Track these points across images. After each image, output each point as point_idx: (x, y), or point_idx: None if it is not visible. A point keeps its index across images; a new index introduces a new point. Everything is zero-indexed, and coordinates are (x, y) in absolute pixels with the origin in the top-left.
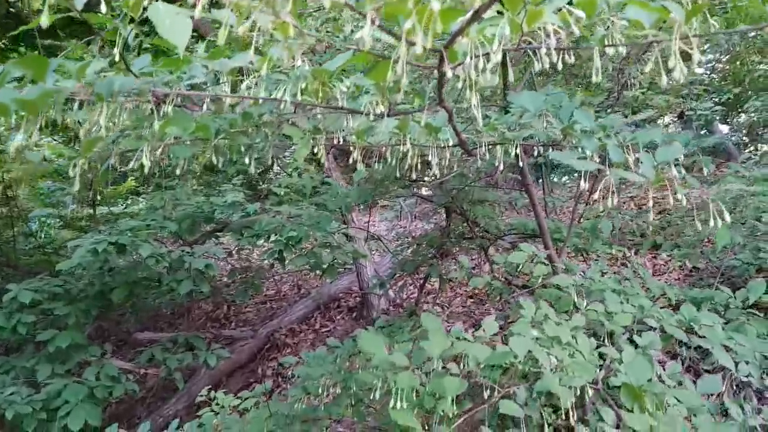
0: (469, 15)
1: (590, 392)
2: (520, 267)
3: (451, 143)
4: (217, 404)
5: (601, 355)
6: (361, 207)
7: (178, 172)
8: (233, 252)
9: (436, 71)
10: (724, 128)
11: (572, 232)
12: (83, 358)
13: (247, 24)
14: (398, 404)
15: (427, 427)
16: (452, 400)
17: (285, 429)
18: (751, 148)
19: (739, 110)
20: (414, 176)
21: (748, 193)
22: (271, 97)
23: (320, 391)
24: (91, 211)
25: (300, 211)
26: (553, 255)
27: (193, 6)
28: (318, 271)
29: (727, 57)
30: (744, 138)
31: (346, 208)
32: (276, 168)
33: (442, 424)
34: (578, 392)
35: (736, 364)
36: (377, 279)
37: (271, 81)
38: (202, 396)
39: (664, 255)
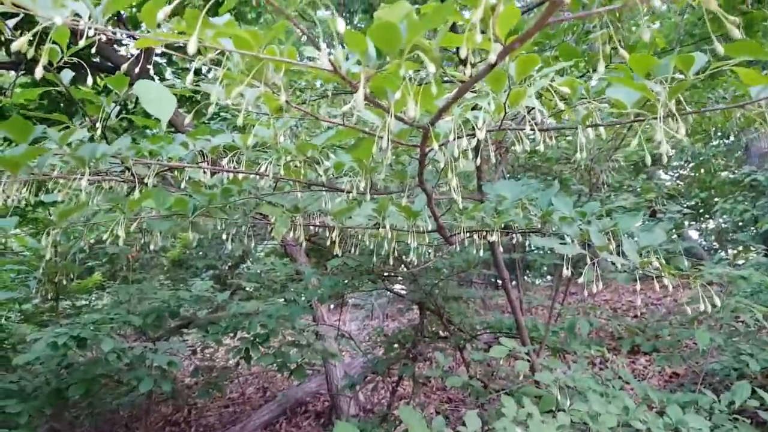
0: (454, 93)
1: None
2: (498, 367)
3: (429, 227)
4: None
5: None
6: (332, 306)
7: (152, 247)
8: (197, 350)
9: (417, 151)
10: (694, 234)
11: (550, 331)
12: None
13: (235, 92)
14: None
15: None
16: None
17: None
18: (722, 254)
19: (708, 216)
20: (391, 262)
21: (726, 292)
22: (254, 170)
23: None
24: (54, 303)
25: (269, 306)
26: (532, 354)
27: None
28: (285, 372)
29: (692, 165)
30: (714, 243)
31: (320, 299)
32: (248, 263)
33: None
34: None
35: None
36: (347, 380)
37: (252, 158)
38: None
39: (643, 360)
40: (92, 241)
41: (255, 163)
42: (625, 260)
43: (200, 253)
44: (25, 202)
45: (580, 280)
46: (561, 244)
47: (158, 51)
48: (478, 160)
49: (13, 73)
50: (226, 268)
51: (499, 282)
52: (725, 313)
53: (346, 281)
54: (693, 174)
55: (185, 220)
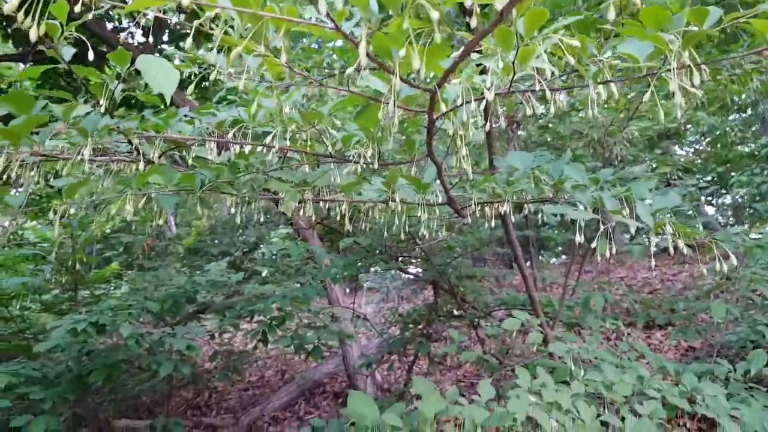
0: (460, 51)
1: None
2: (513, 344)
3: (440, 200)
4: None
5: (603, 424)
6: (347, 290)
7: (160, 221)
8: (215, 335)
9: (425, 120)
10: (710, 210)
11: (564, 306)
12: None
13: (235, 53)
14: None
15: None
16: None
17: None
18: (738, 230)
19: (724, 191)
20: (402, 239)
21: (742, 263)
22: (261, 142)
23: None
24: (72, 293)
25: (284, 289)
26: (545, 326)
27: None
28: (302, 354)
29: (708, 140)
30: (731, 219)
31: (333, 279)
32: (262, 249)
33: None
34: None
35: None
36: (364, 360)
37: (259, 132)
38: None
39: (658, 335)
40: (108, 231)
41: (262, 136)
42: (640, 223)
43: (215, 240)
44: (38, 194)
45: (594, 248)
46: (574, 210)
47: (165, 38)
48: (488, 126)
49: (21, 65)
50: (241, 254)
51: (513, 262)
52: (742, 284)
53: (358, 261)
54: (709, 149)
55: (193, 195)
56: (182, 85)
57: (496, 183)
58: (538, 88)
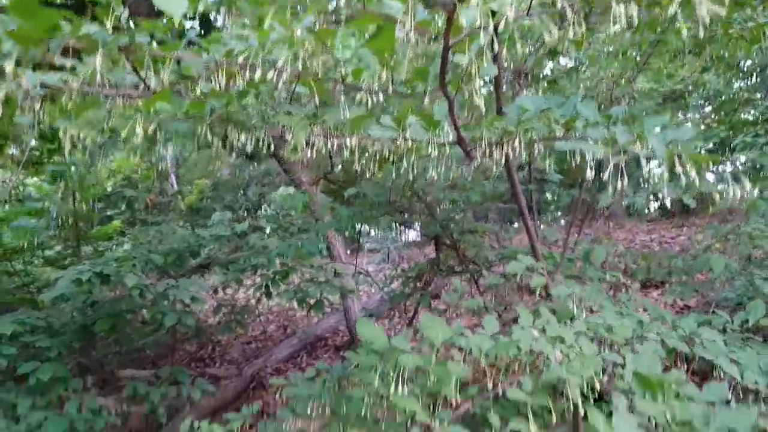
0: None
1: (597, 385)
2: (513, 301)
3: (450, 138)
4: None
5: (604, 360)
6: (349, 251)
7: (168, 155)
8: (219, 290)
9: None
10: (711, 177)
11: (565, 259)
12: (65, 393)
13: None
14: (400, 389)
15: (431, 412)
16: (456, 385)
17: None
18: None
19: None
20: (411, 178)
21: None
22: (273, 65)
23: (309, 411)
24: (75, 249)
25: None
26: (546, 273)
27: None
28: (305, 309)
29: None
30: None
31: (336, 230)
32: (264, 207)
33: (446, 410)
34: (585, 384)
35: (741, 374)
36: (365, 314)
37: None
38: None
39: (655, 294)
40: (109, 188)
41: (273, 64)
42: (652, 155)
43: (218, 197)
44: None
45: (594, 210)
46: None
47: None
48: (498, 63)
49: None
50: (244, 212)
51: (514, 220)
52: (743, 238)
53: (363, 212)
54: (713, 116)
55: (203, 126)
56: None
57: (507, 122)
58: (559, 4)
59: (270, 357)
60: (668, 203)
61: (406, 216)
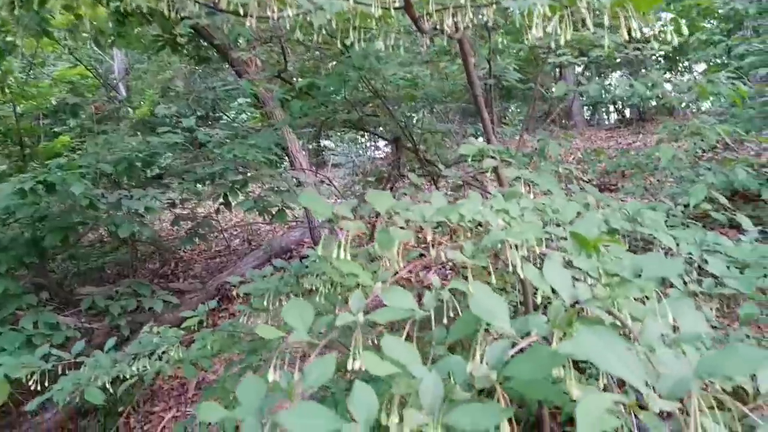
0: None
1: (537, 250)
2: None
3: (397, 4)
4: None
5: (549, 234)
6: (312, 166)
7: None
8: (177, 203)
9: None
10: (669, 86)
11: (520, 152)
12: (21, 312)
13: None
14: (342, 254)
15: (373, 277)
16: (398, 248)
17: (231, 347)
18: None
19: (683, 66)
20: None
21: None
22: None
23: (265, 304)
24: (21, 165)
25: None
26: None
27: None
28: (267, 219)
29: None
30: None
31: (291, 126)
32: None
33: (388, 272)
34: (525, 249)
35: (677, 245)
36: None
37: None
38: (144, 333)
39: (607, 194)
40: (53, 102)
41: None
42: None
43: (169, 107)
44: None
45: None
46: None
47: None
48: None
49: None
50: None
51: (477, 123)
52: (688, 132)
53: (315, 106)
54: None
55: None
56: None
57: None
58: None
59: (235, 270)
60: (627, 113)
61: (363, 114)
